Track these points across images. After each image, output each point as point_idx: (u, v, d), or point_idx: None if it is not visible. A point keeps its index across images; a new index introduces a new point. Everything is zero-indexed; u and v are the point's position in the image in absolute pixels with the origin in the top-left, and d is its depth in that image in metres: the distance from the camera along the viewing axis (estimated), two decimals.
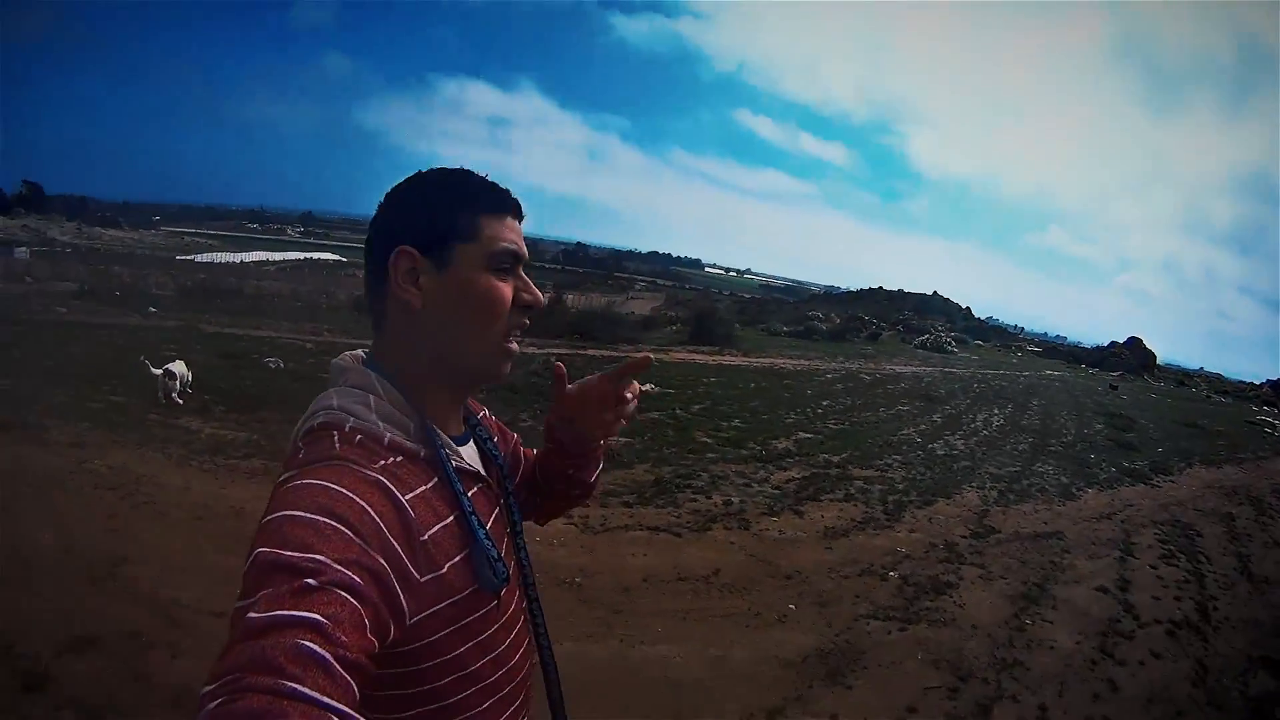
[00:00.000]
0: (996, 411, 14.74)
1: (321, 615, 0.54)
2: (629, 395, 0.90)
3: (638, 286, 52.93)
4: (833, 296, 61.71)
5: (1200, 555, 6.95)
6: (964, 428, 12.06)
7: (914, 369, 20.96)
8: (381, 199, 0.78)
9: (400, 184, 0.79)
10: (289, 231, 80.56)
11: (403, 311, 0.77)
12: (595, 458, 0.99)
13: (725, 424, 9.33)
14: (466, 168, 0.81)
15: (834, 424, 10.48)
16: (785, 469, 7.64)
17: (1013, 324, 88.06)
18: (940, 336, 35.17)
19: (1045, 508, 7.81)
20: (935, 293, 55.79)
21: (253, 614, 0.53)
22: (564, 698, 0.89)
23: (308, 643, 0.52)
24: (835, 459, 8.40)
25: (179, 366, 7.52)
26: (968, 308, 55.59)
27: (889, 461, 8.73)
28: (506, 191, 0.79)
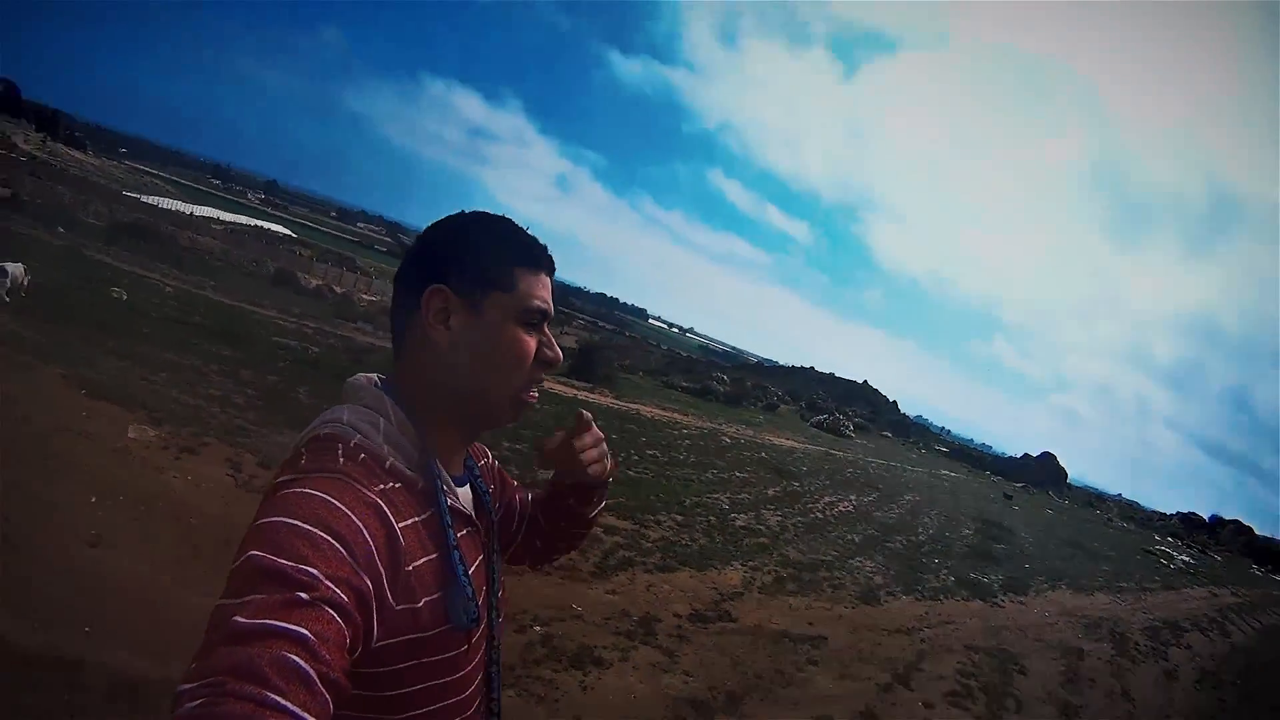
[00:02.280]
0: (853, 498, 16.00)
1: (310, 631, 0.62)
2: (589, 442, 1.09)
3: (575, 323, 61.65)
4: (764, 368, 72.73)
5: (1009, 697, 6.97)
6: (795, 506, 12.75)
7: (792, 444, 23.56)
8: (422, 231, 0.97)
9: (444, 220, 0.96)
10: (249, 195, 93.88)
11: (428, 346, 0.91)
12: (597, 495, 1.20)
13: (508, 446, 9.62)
14: (507, 216, 0.96)
15: (634, 472, 11.09)
16: None
17: (940, 425, 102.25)
18: (839, 419, 38.83)
19: (825, 606, 7.89)
20: (865, 382, 66.17)
21: (240, 618, 0.61)
22: None
23: (294, 656, 0.60)
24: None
25: (16, 268, 9.07)
26: (894, 401, 65.74)
27: (664, 518, 9.10)
28: (544, 248, 0.97)
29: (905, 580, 9.98)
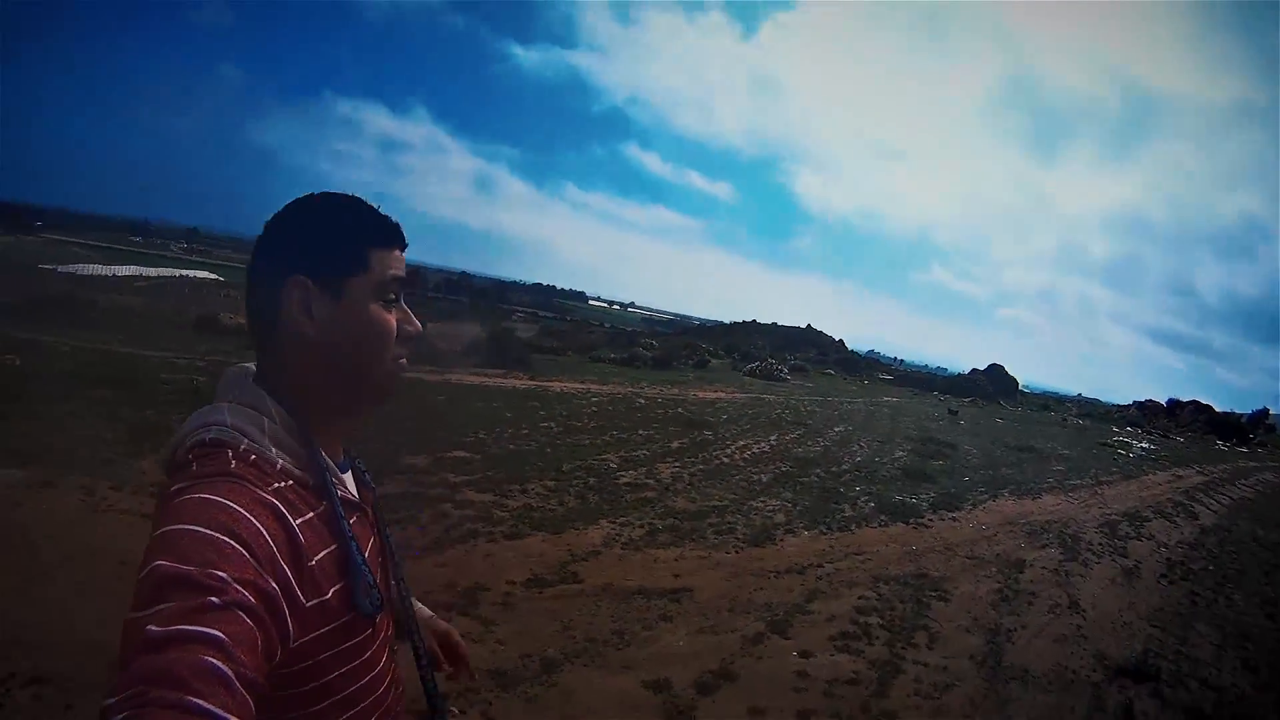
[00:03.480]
0: (771, 438, 16.00)
1: (224, 633, 0.68)
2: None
3: (515, 316, 64.73)
4: (706, 329, 77.78)
5: (921, 630, 6.48)
6: (699, 456, 12.75)
7: (717, 395, 23.95)
8: (268, 221, 1.01)
9: (288, 208, 1.01)
10: (171, 247, 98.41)
11: (294, 340, 0.97)
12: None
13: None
14: (355, 195, 1.02)
15: (514, 445, 11.41)
16: (381, 485, 5.79)
17: (891, 357, 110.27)
18: (771, 364, 40.23)
19: (701, 555, 7.61)
20: (808, 325, 70.90)
21: (153, 627, 0.66)
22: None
23: (211, 659, 0.65)
24: (458, 479, 8.94)
25: None
26: (840, 340, 69.87)
27: (533, 486, 9.17)
28: (396, 223, 1.03)
29: (812, 515, 9.66)
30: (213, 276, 58.73)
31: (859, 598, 6.83)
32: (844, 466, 13.73)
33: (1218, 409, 49.06)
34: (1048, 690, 5.59)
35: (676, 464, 11.56)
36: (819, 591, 6.90)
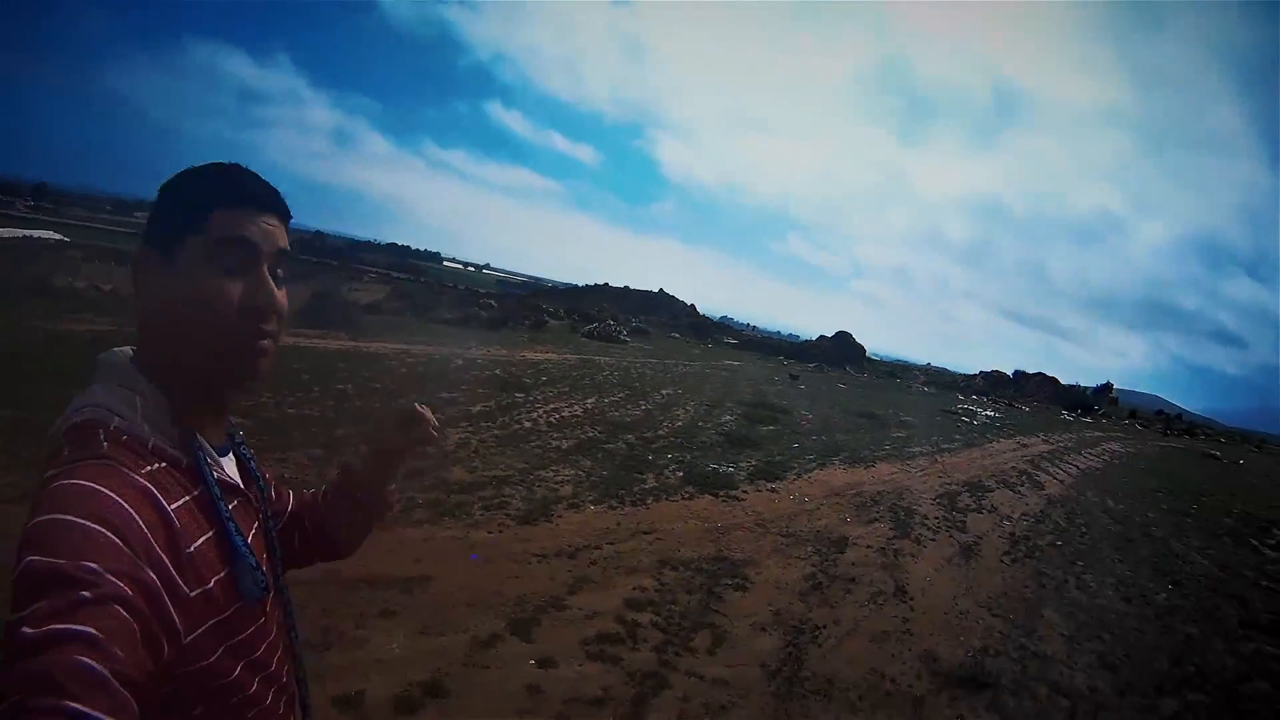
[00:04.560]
0: (589, 401, 15.66)
1: (97, 630, 0.70)
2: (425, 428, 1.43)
3: (366, 277, 64.40)
4: (559, 291, 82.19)
5: (703, 630, 5.54)
6: (498, 420, 12.16)
7: (546, 356, 23.79)
8: None
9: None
10: (17, 205, 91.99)
11: (146, 313, 1.00)
12: (390, 501, 1.44)
13: None
14: (239, 164, 1.02)
15: (294, 410, 10.63)
16: None
17: (744, 323, 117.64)
18: (610, 326, 41.27)
19: (457, 535, 6.79)
20: (661, 290, 76.25)
21: (27, 629, 0.68)
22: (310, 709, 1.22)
23: (85, 659, 0.67)
24: None
25: None
26: (693, 305, 74.61)
27: (295, 455, 8.33)
28: (255, 182, 1.01)
29: (607, 486, 8.98)
30: (57, 236, 53.98)
31: (634, 588, 6.07)
32: (660, 432, 13.13)
33: (1063, 381, 52.84)
34: (856, 708, 4.69)
35: (469, 429, 10.97)
36: (587, 580, 6.14)
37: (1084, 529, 10.63)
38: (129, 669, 0.69)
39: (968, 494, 11.56)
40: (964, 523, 9.65)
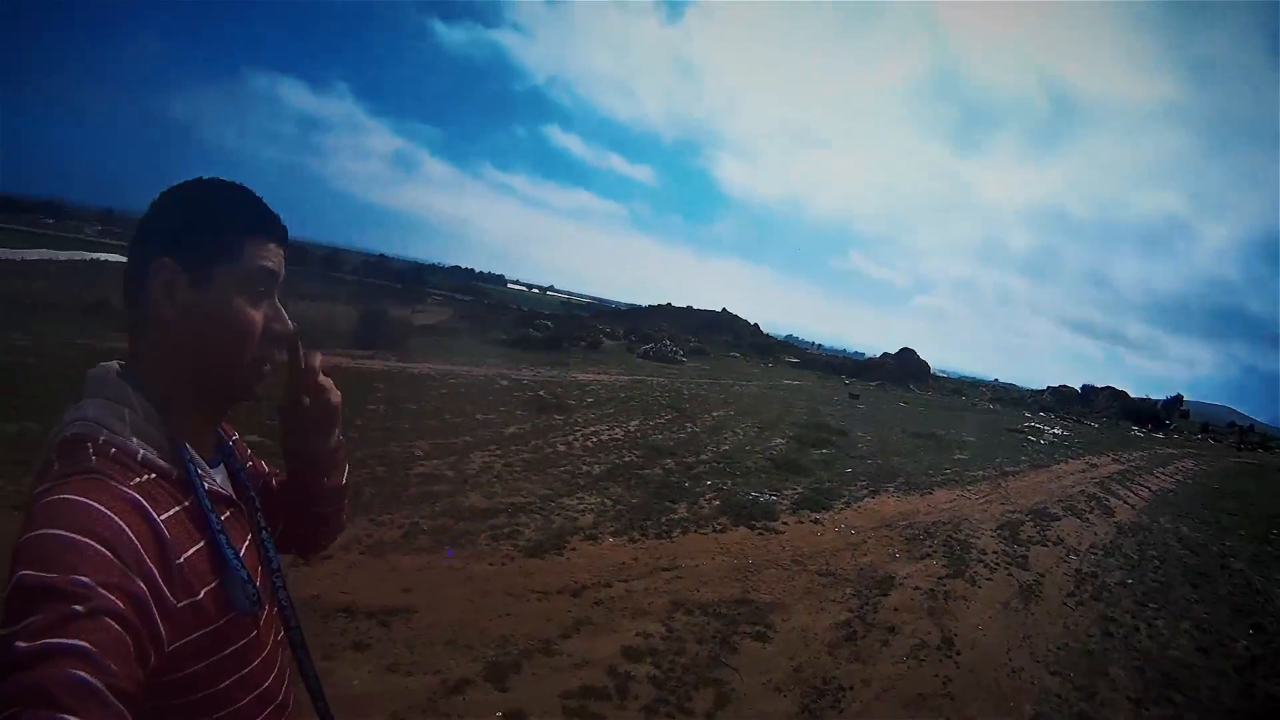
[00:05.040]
0: (632, 424, 15.11)
1: (90, 643, 0.72)
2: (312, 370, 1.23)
3: (430, 300, 68.18)
4: (620, 312, 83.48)
5: (711, 687, 4.84)
6: (531, 443, 11.66)
7: (597, 378, 23.41)
8: (154, 199, 1.05)
9: (173, 188, 1.05)
10: (85, 230, 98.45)
11: (156, 326, 1.01)
12: (336, 460, 1.35)
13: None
14: (242, 183, 1.06)
15: None
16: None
17: (809, 341, 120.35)
18: (667, 346, 40.82)
19: (455, 566, 6.30)
20: (724, 309, 75.52)
21: (20, 643, 0.70)
22: None
23: (80, 672, 0.70)
24: None
25: None
26: (755, 324, 74.36)
27: None
28: (275, 215, 1.08)
29: (633, 516, 8.34)
30: (123, 260, 66.23)
31: (638, 633, 5.43)
32: (703, 456, 12.45)
33: (1132, 395, 51.01)
34: None
35: (498, 452, 10.46)
36: (586, 622, 5.53)
37: (1157, 563, 9.64)
38: (123, 681, 0.72)
39: (1031, 523, 10.66)
40: (1025, 558, 8.79)
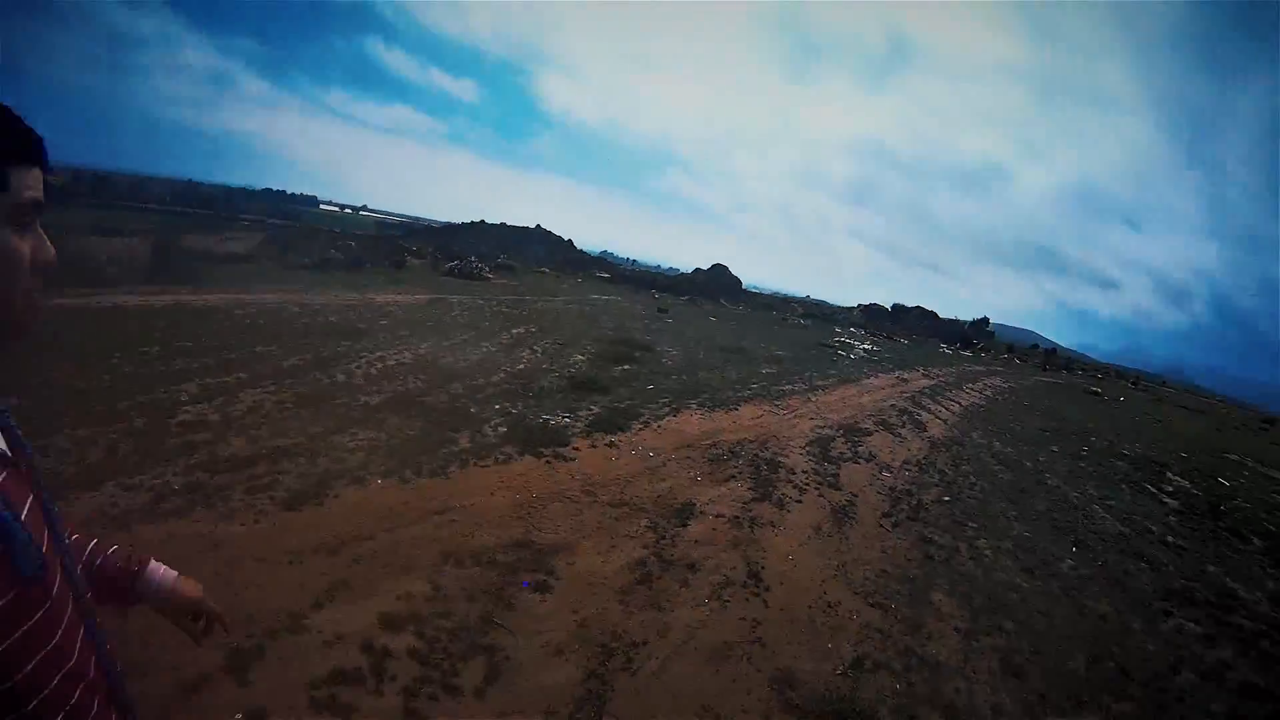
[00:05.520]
0: (424, 346, 14.27)
1: None
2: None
3: (239, 226, 59.26)
4: (433, 230, 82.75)
5: (481, 653, 4.21)
6: (310, 375, 10.61)
7: (397, 299, 22.39)
8: None
9: None
10: None
11: None
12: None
13: None
14: (3, 103, 0.98)
15: (81, 381, 9.03)
16: None
17: (625, 258, 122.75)
18: (472, 264, 40.49)
19: (201, 531, 5.46)
20: (538, 226, 76.69)
21: None
22: (133, 702, 1.19)
23: None
24: None
25: None
26: (569, 240, 76.13)
27: (66, 439, 7.03)
28: (39, 139, 0.99)
29: (407, 452, 7.52)
30: None
31: (399, 595, 4.72)
32: (495, 378, 11.75)
33: (941, 316, 54.29)
34: None
35: (271, 388, 9.60)
36: (343, 586, 4.78)
37: (973, 479, 9.78)
38: None
39: (842, 439, 10.58)
40: (837, 476, 8.60)
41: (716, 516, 6.71)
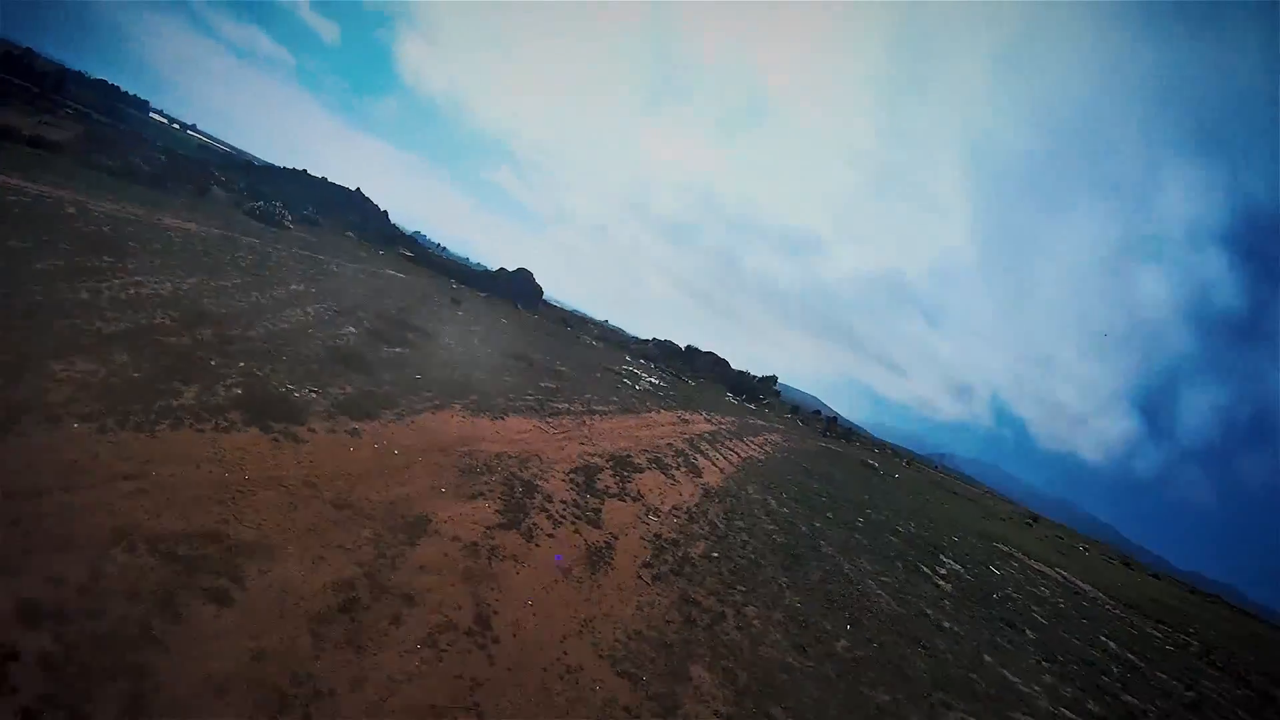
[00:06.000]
0: (193, 280, 12.99)
1: None
2: None
3: (62, 113, 58.16)
4: (253, 167, 78.03)
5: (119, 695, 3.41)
6: (57, 284, 9.29)
7: (186, 225, 20.61)
8: None
9: None
10: None
11: None
12: None
13: None
14: None
15: None
16: None
17: (436, 241, 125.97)
18: (277, 209, 38.79)
19: None
20: (358, 189, 74.23)
21: None
22: None
23: None
24: None
25: None
26: (385, 212, 74.53)
27: None
28: None
29: (126, 394, 6.49)
30: None
31: (49, 578, 3.86)
32: (253, 332, 10.62)
33: (733, 366, 56.12)
34: None
35: (3, 291, 8.44)
36: None
37: (745, 537, 9.58)
38: None
39: (611, 471, 10.15)
40: (599, 513, 8.10)
41: (453, 539, 6.01)
